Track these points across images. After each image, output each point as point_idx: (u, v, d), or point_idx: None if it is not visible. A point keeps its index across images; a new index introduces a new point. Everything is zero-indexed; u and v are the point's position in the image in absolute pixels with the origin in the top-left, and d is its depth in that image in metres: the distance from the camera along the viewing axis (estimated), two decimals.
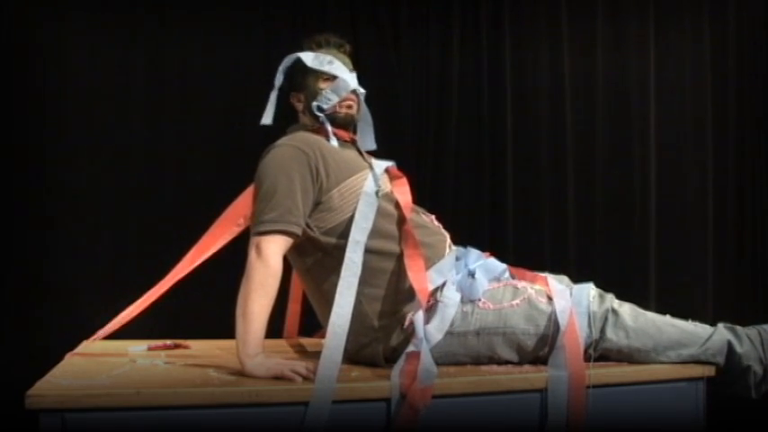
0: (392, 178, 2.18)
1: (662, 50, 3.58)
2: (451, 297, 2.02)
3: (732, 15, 3.63)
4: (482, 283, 2.07)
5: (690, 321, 2.12)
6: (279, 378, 1.81)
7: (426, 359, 1.84)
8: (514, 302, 2.05)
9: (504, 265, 2.18)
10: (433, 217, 2.24)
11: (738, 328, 2.09)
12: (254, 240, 1.98)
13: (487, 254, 2.24)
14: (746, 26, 3.64)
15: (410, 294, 2.02)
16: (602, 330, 2.04)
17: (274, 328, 2.39)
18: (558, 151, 3.49)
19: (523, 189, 3.44)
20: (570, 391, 1.90)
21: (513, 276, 2.17)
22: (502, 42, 3.45)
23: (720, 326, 2.10)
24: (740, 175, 3.62)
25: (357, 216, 2.01)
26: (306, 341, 2.45)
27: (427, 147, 3.38)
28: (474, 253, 2.16)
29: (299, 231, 2.01)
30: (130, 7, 3.12)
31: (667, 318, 2.11)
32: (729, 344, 2.05)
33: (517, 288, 2.09)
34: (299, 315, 2.44)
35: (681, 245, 3.55)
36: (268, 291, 1.93)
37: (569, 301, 2.05)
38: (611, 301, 2.10)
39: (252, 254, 1.96)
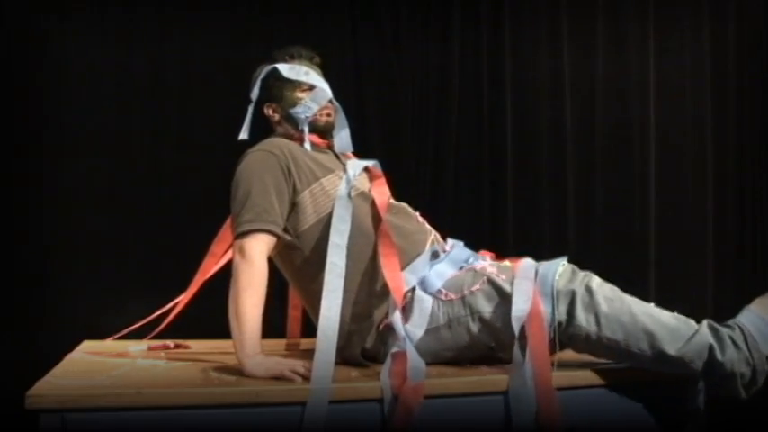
0: (372, 178, 2.20)
1: (662, 50, 3.58)
2: (422, 293, 2.02)
3: (732, 15, 3.63)
4: (441, 274, 2.05)
5: (674, 314, 1.97)
6: (278, 378, 1.81)
7: (413, 357, 1.84)
8: (474, 287, 2.01)
9: (469, 252, 2.15)
10: (418, 214, 2.22)
11: (722, 329, 1.95)
12: (235, 245, 2.00)
13: (484, 252, 2.24)
14: (746, 26, 3.64)
15: (383, 296, 2.02)
16: (571, 312, 1.92)
17: (276, 327, 2.41)
18: (558, 151, 3.49)
19: (523, 189, 3.44)
20: (537, 386, 1.82)
21: (477, 259, 2.14)
22: (502, 42, 3.45)
23: (704, 326, 1.95)
24: (740, 175, 3.62)
25: (334, 220, 2.02)
26: (308, 342, 2.45)
27: (427, 147, 3.38)
28: (458, 250, 2.15)
29: (277, 229, 2.03)
30: (130, 7, 3.12)
31: (649, 306, 1.97)
32: (711, 349, 1.90)
33: (476, 271, 2.05)
34: (301, 321, 2.44)
35: (681, 245, 3.55)
36: (257, 289, 1.94)
37: (533, 280, 1.95)
38: (587, 279, 1.97)
39: (236, 257, 1.99)
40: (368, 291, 2.04)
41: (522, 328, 1.88)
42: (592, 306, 1.92)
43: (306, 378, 1.80)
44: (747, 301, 3.63)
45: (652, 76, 3.56)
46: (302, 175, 2.09)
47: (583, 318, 1.91)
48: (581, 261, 3.38)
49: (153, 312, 2.41)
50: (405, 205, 2.23)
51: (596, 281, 1.98)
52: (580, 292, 1.93)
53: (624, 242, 3.50)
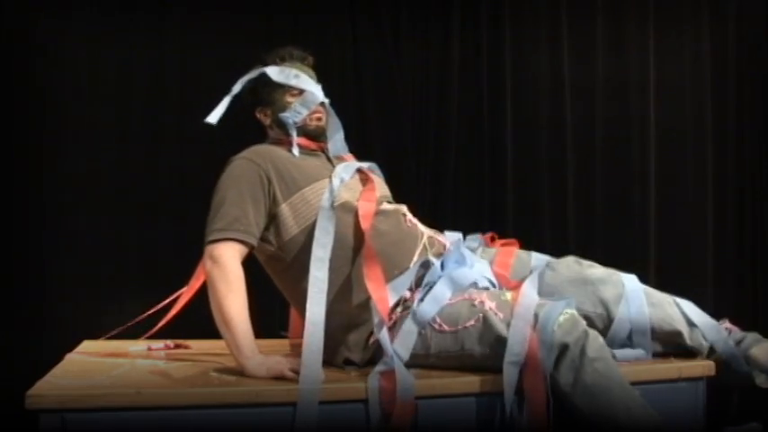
0: (364, 182, 2.15)
1: (662, 50, 3.58)
2: (412, 324, 1.92)
3: (732, 15, 3.63)
4: (437, 299, 1.93)
5: (653, 416, 1.79)
6: (279, 378, 1.81)
7: (402, 375, 1.78)
8: (469, 324, 1.88)
9: (473, 277, 2.00)
10: (409, 217, 2.15)
11: None
12: (206, 251, 1.98)
13: (489, 236, 2.21)
14: (746, 26, 3.64)
15: (366, 308, 1.96)
16: (556, 364, 1.78)
17: (272, 327, 2.41)
18: (558, 151, 3.49)
19: (523, 190, 3.44)
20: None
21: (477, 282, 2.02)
22: (502, 42, 3.45)
23: None
24: (740, 175, 3.62)
25: (317, 232, 1.97)
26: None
27: (427, 147, 3.38)
28: (455, 254, 2.04)
29: (249, 239, 1.99)
30: (130, 7, 3.12)
31: (634, 399, 1.79)
32: None
33: (474, 305, 1.89)
34: (302, 320, 2.44)
35: (681, 245, 3.55)
36: (237, 293, 1.91)
37: (530, 323, 1.80)
38: (585, 338, 1.79)
39: (207, 263, 1.95)
40: (350, 302, 2.00)
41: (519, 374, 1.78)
42: (577, 369, 1.77)
43: None
44: (747, 301, 3.63)
45: (652, 76, 3.56)
46: (283, 185, 2.05)
47: (563, 373, 1.78)
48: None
49: (152, 312, 2.40)
50: (400, 208, 2.16)
51: (593, 346, 1.80)
52: (573, 349, 1.78)
53: (624, 242, 3.50)
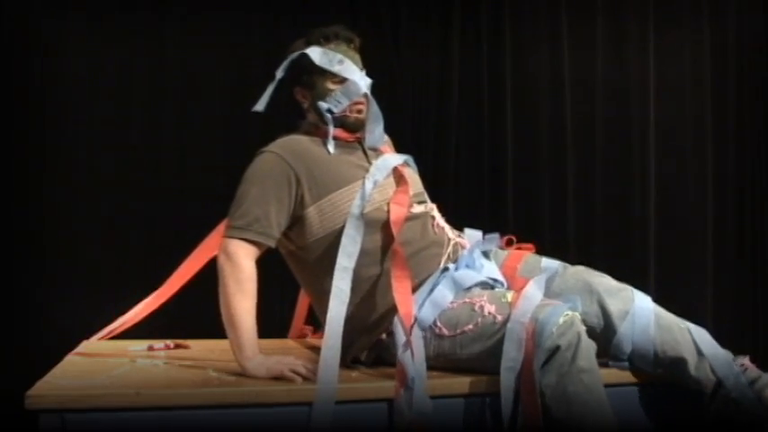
0: (397, 182, 2.06)
1: (662, 50, 3.58)
2: (418, 330, 1.87)
3: (732, 15, 3.64)
4: (437, 303, 1.90)
5: None
6: (279, 378, 1.81)
7: (419, 399, 1.73)
8: (467, 328, 1.86)
9: (477, 278, 1.96)
10: (437, 219, 2.09)
11: None
12: (222, 242, 1.95)
13: (506, 239, 2.13)
14: (747, 26, 3.64)
15: (384, 315, 1.93)
16: (544, 363, 1.74)
17: (278, 327, 2.41)
18: (558, 151, 3.49)
19: (523, 190, 3.44)
20: None
21: (489, 284, 1.98)
22: (502, 43, 3.45)
23: None
24: (740, 175, 3.62)
25: (344, 240, 1.90)
26: (313, 340, 2.44)
27: (427, 147, 3.38)
28: (467, 258, 2.00)
29: (266, 241, 1.94)
30: (130, 7, 3.12)
31: (608, 417, 1.74)
32: None
33: (473, 310, 1.87)
34: (306, 315, 2.44)
35: (681, 245, 3.55)
36: (246, 293, 1.89)
37: (525, 325, 1.76)
38: (579, 346, 1.75)
39: (221, 257, 1.92)
40: (370, 308, 1.96)
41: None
42: (563, 374, 1.73)
43: (306, 378, 1.79)
44: (747, 301, 3.62)
45: (652, 76, 3.56)
46: (313, 187, 1.97)
47: (547, 374, 1.74)
48: (581, 262, 3.40)
49: (153, 313, 2.40)
50: (429, 210, 2.09)
51: (585, 354, 1.75)
52: (565, 353, 1.74)
53: (624, 242, 3.50)
